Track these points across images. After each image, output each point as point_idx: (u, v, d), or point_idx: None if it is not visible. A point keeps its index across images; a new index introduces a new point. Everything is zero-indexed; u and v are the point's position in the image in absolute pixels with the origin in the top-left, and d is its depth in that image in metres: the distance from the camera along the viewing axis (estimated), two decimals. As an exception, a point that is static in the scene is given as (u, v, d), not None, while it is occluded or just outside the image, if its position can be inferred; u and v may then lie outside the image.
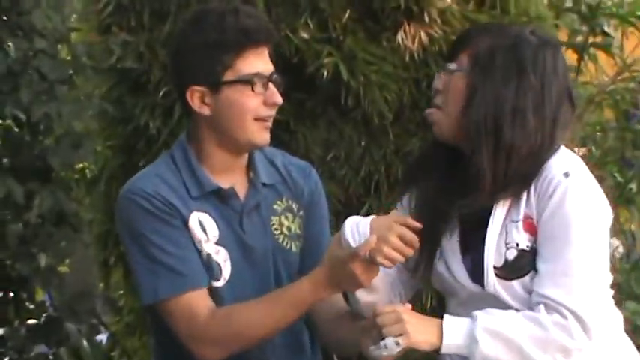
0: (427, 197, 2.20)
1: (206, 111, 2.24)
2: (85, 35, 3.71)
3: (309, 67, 3.28)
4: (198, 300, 2.20)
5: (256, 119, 2.23)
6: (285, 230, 2.35)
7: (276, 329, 2.19)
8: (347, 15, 3.37)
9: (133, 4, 3.48)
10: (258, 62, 2.24)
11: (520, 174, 2.05)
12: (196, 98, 2.23)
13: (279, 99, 2.24)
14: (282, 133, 3.27)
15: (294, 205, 2.37)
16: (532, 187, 2.06)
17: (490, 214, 2.07)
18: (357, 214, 2.95)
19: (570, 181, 2.02)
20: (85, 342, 3.78)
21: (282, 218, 2.36)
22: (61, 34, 3.55)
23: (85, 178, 3.95)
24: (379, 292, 2.17)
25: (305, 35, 3.33)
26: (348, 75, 3.32)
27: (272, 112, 2.25)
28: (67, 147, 3.54)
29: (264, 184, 2.31)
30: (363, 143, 3.43)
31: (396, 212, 2.23)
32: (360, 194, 3.36)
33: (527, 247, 2.06)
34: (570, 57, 4.18)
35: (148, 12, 3.45)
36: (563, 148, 2.11)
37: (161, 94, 3.39)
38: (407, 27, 3.42)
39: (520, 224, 2.07)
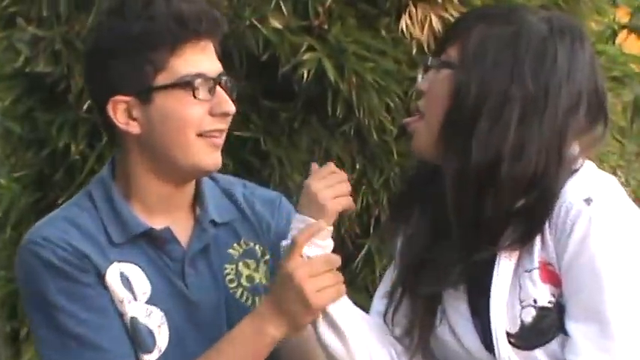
0: (416, 243, 2.22)
1: (134, 128, 2.22)
2: (-21, 30, 3.74)
3: (283, 65, 3.30)
4: None
5: (201, 135, 2.22)
6: (244, 281, 2.35)
7: None
8: None
9: None
10: (201, 60, 2.25)
11: (523, 210, 2.04)
12: (121, 112, 2.22)
13: (230, 107, 2.25)
14: (250, 156, 3.37)
15: (257, 248, 2.38)
16: (546, 223, 2.04)
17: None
18: (354, 260, 3.23)
19: (594, 209, 1.99)
20: None
21: (241, 266, 2.36)
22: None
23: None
24: (352, 340, 2.22)
25: (277, 24, 3.32)
26: (336, 75, 3.30)
27: (222, 126, 2.25)
28: (-42, 181, 3.55)
29: (214, 222, 2.32)
30: (357, 166, 3.42)
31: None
32: (355, 234, 3.38)
33: (550, 302, 2.03)
34: (633, 44, 4.18)
35: None
36: (587, 164, 2.12)
37: (85, 107, 3.34)
38: (413, 9, 3.40)
39: (536, 274, 2.04)
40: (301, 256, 2.17)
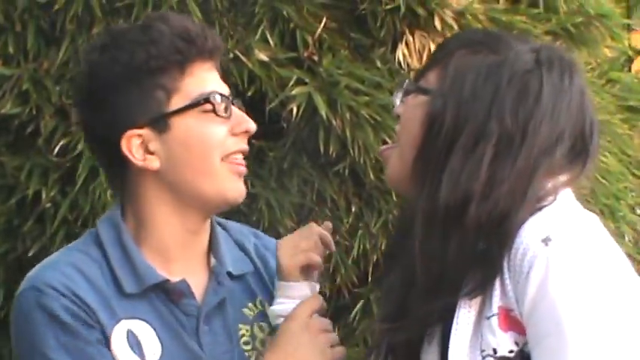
0: (391, 294, 2.22)
1: (154, 163, 2.18)
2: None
3: (271, 101, 3.31)
4: None
5: (225, 159, 2.18)
6: (258, 345, 2.32)
7: None
8: (322, 24, 3.39)
9: (10, 22, 3.45)
10: (211, 78, 2.24)
11: (481, 254, 2.03)
12: (137, 148, 2.17)
13: (251, 124, 2.22)
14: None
15: None
16: (505, 266, 2.01)
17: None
18: (350, 312, 3.26)
19: (551, 249, 1.95)
20: None
21: (256, 328, 2.34)
22: None
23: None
24: None
25: (263, 56, 3.35)
26: (328, 110, 3.31)
27: (245, 146, 2.23)
28: None
29: (230, 275, 2.29)
30: (353, 209, 3.45)
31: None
32: (352, 283, 3.38)
33: (511, 352, 1.99)
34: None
35: (33, 33, 3.42)
36: (560, 201, 2.09)
37: (56, 150, 3.35)
38: (409, 38, 3.44)
39: (495, 321, 2.00)
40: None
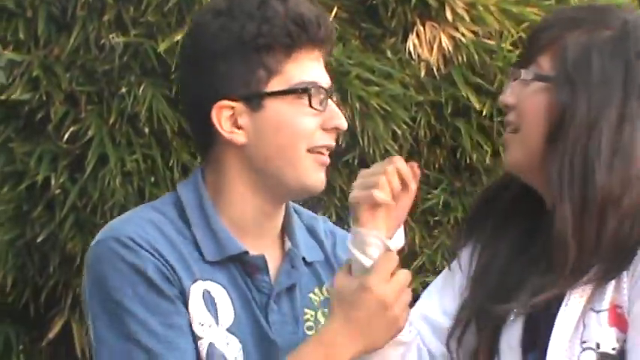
0: (492, 263, 2.15)
1: (240, 137, 2.14)
2: (-45, 54, 3.77)
3: None
4: None
5: (311, 150, 2.15)
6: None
7: None
8: (333, 14, 3.35)
9: (21, 8, 3.45)
10: (316, 68, 2.18)
11: (618, 241, 1.97)
12: (226, 119, 2.15)
13: (343, 122, 2.18)
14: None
15: None
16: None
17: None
18: None
19: None
20: None
21: (320, 314, 2.29)
22: None
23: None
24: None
25: (332, 38, 3.31)
26: (338, 100, 2.98)
27: (332, 142, 2.18)
28: None
29: (304, 261, 2.27)
30: None
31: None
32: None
33: (614, 349, 1.95)
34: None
35: (43, 19, 3.41)
36: None
37: (66, 136, 3.35)
38: (420, 29, 3.45)
39: (604, 316, 1.97)
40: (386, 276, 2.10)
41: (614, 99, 1.99)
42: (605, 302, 1.97)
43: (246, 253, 2.18)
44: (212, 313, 2.17)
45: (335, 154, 3.09)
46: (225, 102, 2.14)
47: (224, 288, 2.17)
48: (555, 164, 2.00)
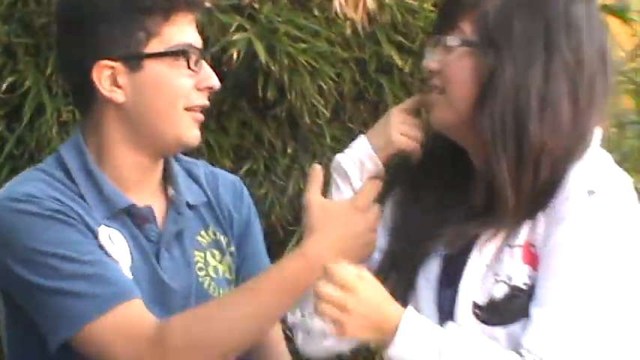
0: (412, 211, 2.23)
1: (119, 96, 2.22)
2: None
3: (212, 46, 3.25)
4: (142, 310, 2.20)
5: (187, 108, 2.23)
6: (211, 271, 2.36)
7: (257, 330, 2.25)
8: None
9: None
10: (190, 31, 2.26)
11: (547, 185, 2.05)
12: (106, 78, 2.21)
13: (216, 81, 2.28)
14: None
15: (222, 239, 2.41)
16: None
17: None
18: (284, 248, 3.24)
19: (594, 202, 2.00)
20: None
21: (208, 255, 2.37)
22: None
23: None
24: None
25: (207, 3, 3.23)
26: (267, 56, 3.31)
27: (206, 101, 2.28)
28: None
29: (188, 205, 2.34)
30: (289, 151, 3.47)
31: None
32: (287, 221, 3.42)
33: (525, 284, 2.04)
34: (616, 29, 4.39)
35: None
36: (597, 148, 2.11)
37: (4, 87, 3.34)
38: None
39: (518, 251, 2.05)
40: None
41: (538, 58, 2.04)
42: (520, 239, 2.04)
43: (134, 205, 2.26)
44: (117, 253, 2.23)
45: (264, 107, 3.39)
46: (106, 62, 2.20)
47: (122, 235, 2.24)
48: (487, 123, 2.04)
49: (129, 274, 2.24)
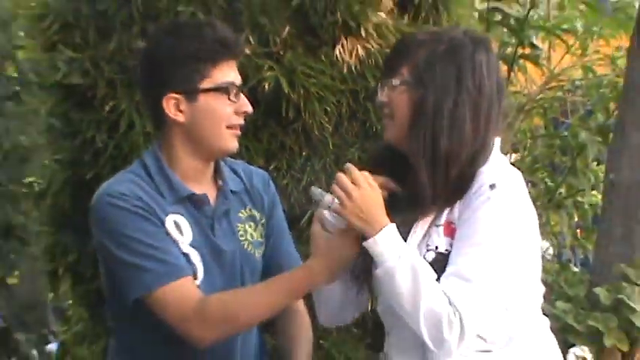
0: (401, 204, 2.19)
1: (181, 118, 2.23)
2: (31, 52, 3.70)
3: (250, 81, 3.24)
4: (190, 286, 2.18)
5: (229, 127, 2.24)
6: (249, 237, 2.35)
7: (269, 314, 2.21)
8: (286, 31, 3.40)
9: (78, 21, 3.45)
10: (232, 73, 2.25)
11: (459, 182, 2.04)
12: (172, 106, 2.22)
13: (250, 108, 2.26)
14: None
15: (256, 214, 2.38)
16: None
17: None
18: (299, 222, 3.18)
19: (494, 192, 2.01)
20: (34, 352, 3.74)
21: (247, 226, 2.36)
22: (7, 51, 3.59)
23: (32, 191, 3.86)
24: (330, 306, 2.25)
25: (247, 50, 3.32)
26: (288, 88, 3.33)
27: (242, 121, 2.26)
28: (14, 161, 3.56)
29: (232, 192, 2.32)
30: (303, 153, 3.45)
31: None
32: (301, 203, 3.36)
33: (446, 250, 2.04)
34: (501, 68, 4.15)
35: (93, 29, 3.44)
36: (498, 154, 2.10)
37: (107, 109, 3.38)
38: (344, 41, 3.45)
39: (441, 229, 2.05)
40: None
41: (451, 92, 2.03)
42: (442, 219, 2.05)
43: (193, 193, 2.24)
44: (180, 233, 2.23)
45: (286, 123, 3.38)
46: (172, 94, 2.19)
47: (184, 217, 2.23)
48: (414, 138, 2.04)
49: (189, 249, 2.23)
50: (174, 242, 2.21)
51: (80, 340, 3.69)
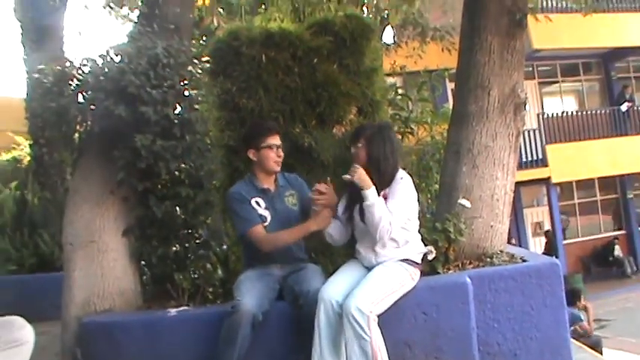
0: (350, 192, 3.74)
1: (255, 158, 4.01)
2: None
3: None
4: (261, 229, 3.94)
5: (274, 162, 4.02)
6: (291, 202, 4.18)
7: (292, 242, 3.99)
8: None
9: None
10: (275, 139, 4.01)
11: (388, 179, 3.61)
12: (252, 154, 4.01)
13: (282, 154, 3.97)
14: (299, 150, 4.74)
15: (294, 192, 4.21)
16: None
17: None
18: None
19: (402, 181, 3.63)
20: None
21: (290, 197, 4.16)
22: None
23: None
24: (336, 236, 3.89)
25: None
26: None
27: (280, 159, 4.01)
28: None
29: (281, 186, 4.10)
30: (307, 172, 4.69)
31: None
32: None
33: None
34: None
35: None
36: (400, 168, 3.66)
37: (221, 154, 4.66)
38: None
39: (381, 197, 3.67)
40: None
41: (382, 146, 3.51)
42: (381, 194, 3.54)
43: (266, 187, 3.83)
44: (259, 205, 3.88)
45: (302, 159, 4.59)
46: (251, 150, 3.82)
47: (261, 198, 3.89)
48: (370, 164, 3.46)
49: (263, 212, 3.71)
50: (255, 210, 3.89)
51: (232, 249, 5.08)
